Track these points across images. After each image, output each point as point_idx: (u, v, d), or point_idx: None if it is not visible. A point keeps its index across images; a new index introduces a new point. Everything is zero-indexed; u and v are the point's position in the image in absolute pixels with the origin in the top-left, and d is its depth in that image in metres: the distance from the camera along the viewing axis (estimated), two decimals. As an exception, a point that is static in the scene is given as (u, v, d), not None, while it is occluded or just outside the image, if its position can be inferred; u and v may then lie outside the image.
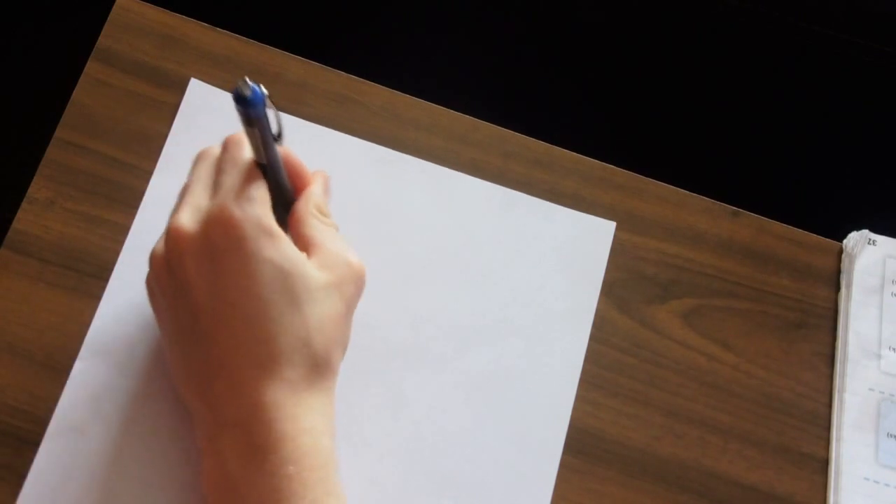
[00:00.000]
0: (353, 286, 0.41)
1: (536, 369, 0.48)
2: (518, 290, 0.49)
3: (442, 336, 0.48)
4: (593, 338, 0.49)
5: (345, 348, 0.41)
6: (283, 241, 0.39)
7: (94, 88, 0.51)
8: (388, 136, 0.51)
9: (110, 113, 0.50)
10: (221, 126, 0.51)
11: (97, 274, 0.48)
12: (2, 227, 0.48)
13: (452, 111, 0.52)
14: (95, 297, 0.47)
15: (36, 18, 1.15)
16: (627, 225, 0.51)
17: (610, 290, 0.49)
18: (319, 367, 0.39)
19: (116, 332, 0.47)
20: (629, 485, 0.46)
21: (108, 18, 0.52)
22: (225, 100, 0.51)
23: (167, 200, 0.49)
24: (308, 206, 0.42)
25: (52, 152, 0.50)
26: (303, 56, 0.53)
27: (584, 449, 0.47)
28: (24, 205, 0.49)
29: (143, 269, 0.48)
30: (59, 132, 0.50)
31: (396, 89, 0.52)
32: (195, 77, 0.51)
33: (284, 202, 0.42)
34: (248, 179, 0.39)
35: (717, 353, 0.49)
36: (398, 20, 1.17)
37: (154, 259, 0.41)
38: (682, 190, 0.52)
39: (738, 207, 0.52)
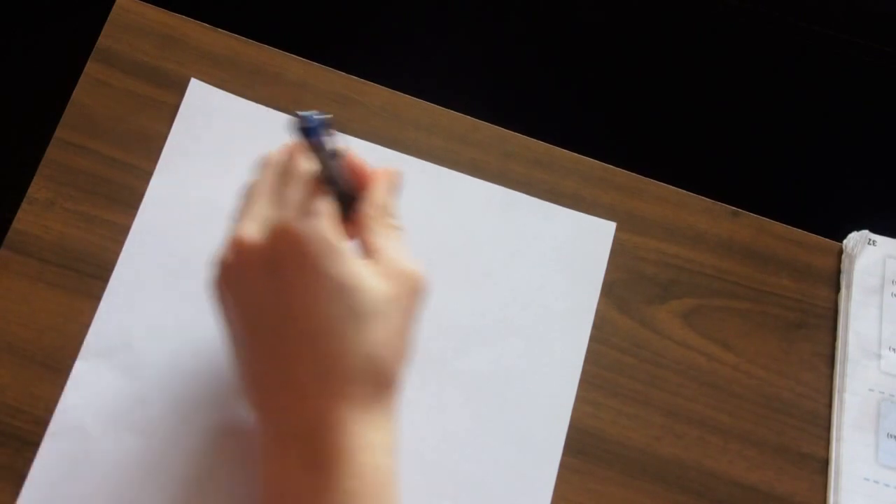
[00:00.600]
0: (414, 297, 0.40)
1: (536, 369, 0.48)
2: (518, 290, 0.49)
3: (442, 336, 0.48)
4: (593, 338, 0.49)
5: (408, 360, 0.41)
6: (346, 254, 0.38)
7: (94, 88, 0.51)
8: (387, 136, 0.51)
9: (110, 113, 0.50)
10: (221, 126, 0.51)
11: (97, 274, 0.48)
12: (2, 227, 0.48)
13: (452, 111, 0.52)
14: (95, 297, 0.47)
15: (36, 18, 1.15)
16: (627, 225, 0.51)
17: (610, 290, 0.49)
18: (382, 384, 0.39)
19: (116, 332, 0.47)
20: (629, 485, 0.46)
21: (108, 18, 0.52)
22: (225, 100, 0.51)
23: (167, 200, 0.49)
24: (370, 209, 0.41)
25: (52, 152, 0.50)
26: (303, 56, 0.53)
27: (584, 449, 0.47)
28: (24, 205, 0.49)
29: (144, 269, 0.48)
30: (59, 132, 0.50)
31: (396, 89, 0.52)
32: (195, 77, 0.51)
33: (350, 205, 0.42)
34: (311, 192, 0.39)
35: (717, 353, 0.49)
36: (398, 20, 1.17)
37: (222, 266, 0.40)
38: (682, 190, 0.52)
39: (738, 207, 0.52)
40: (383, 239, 0.40)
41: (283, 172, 0.41)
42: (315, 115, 0.37)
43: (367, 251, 0.40)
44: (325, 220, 0.38)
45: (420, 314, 0.41)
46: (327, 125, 0.38)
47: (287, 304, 0.38)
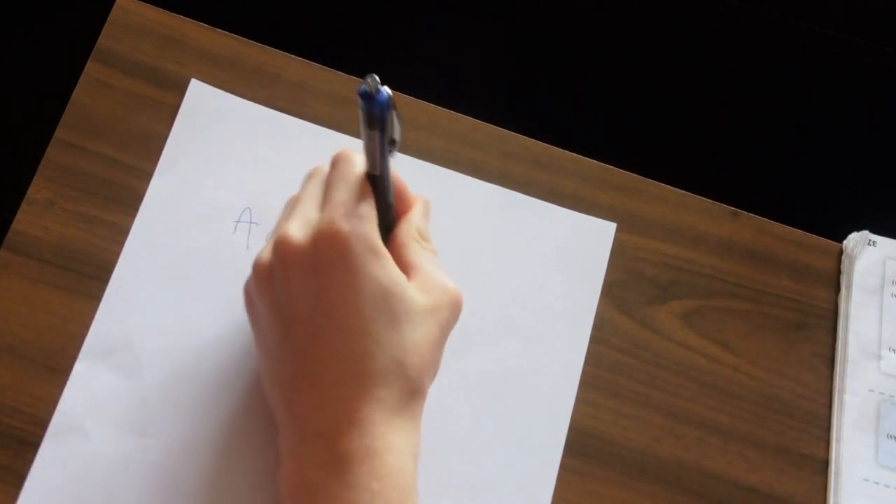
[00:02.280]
0: (449, 313, 0.41)
1: (536, 370, 0.48)
2: (518, 290, 0.49)
3: (442, 337, 0.48)
4: (593, 339, 0.49)
5: (435, 374, 0.41)
6: (388, 260, 0.39)
7: (94, 89, 0.51)
8: (387, 136, 0.51)
9: (110, 113, 0.50)
10: (222, 127, 0.51)
11: (97, 275, 0.48)
12: (1, 227, 0.48)
13: (452, 112, 0.52)
14: (95, 298, 0.47)
15: (36, 18, 1.15)
16: (627, 225, 0.51)
17: (610, 290, 0.49)
18: (411, 390, 0.39)
19: (116, 333, 0.47)
20: (629, 486, 0.46)
21: (108, 19, 0.52)
22: (226, 101, 0.51)
23: (167, 201, 0.49)
24: (410, 229, 0.42)
25: (52, 153, 0.50)
26: (303, 56, 0.53)
27: (584, 450, 0.47)
28: (23, 205, 0.49)
29: (144, 270, 0.48)
30: (59, 133, 0.50)
31: (396, 90, 0.52)
32: (195, 77, 0.51)
33: (387, 222, 0.42)
34: (358, 196, 0.39)
35: (717, 353, 0.49)
36: (398, 20, 1.17)
37: (258, 267, 0.41)
38: (682, 190, 0.52)
39: (738, 208, 0.52)
40: (421, 258, 0.41)
41: (327, 180, 0.41)
42: (379, 86, 0.35)
43: (405, 268, 0.41)
44: (370, 224, 0.39)
45: (450, 332, 0.41)
46: (393, 104, 0.36)
47: (325, 301, 0.38)
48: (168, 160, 0.50)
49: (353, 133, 0.51)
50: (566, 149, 0.52)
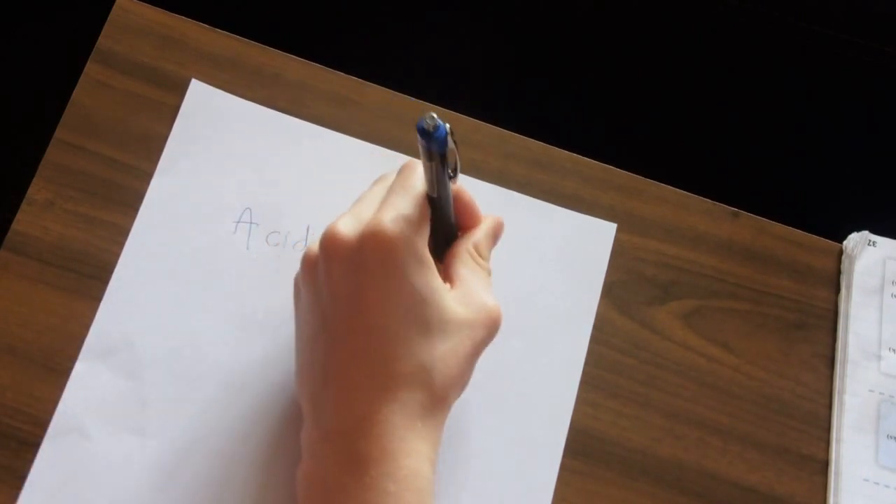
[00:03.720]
0: (485, 330, 0.41)
1: (537, 370, 0.48)
2: (518, 291, 0.49)
3: (442, 337, 0.48)
4: (593, 339, 0.49)
5: (463, 389, 0.41)
6: (430, 270, 0.39)
7: (93, 89, 0.51)
8: (387, 136, 0.51)
9: (110, 114, 0.50)
10: (222, 127, 0.51)
11: (97, 275, 0.48)
12: (1, 227, 0.48)
13: (452, 112, 0.52)
14: (95, 298, 0.47)
15: (36, 18, 1.15)
16: (627, 226, 0.51)
17: (610, 291, 0.49)
18: (435, 399, 0.39)
19: (116, 333, 0.47)
20: (629, 486, 0.46)
21: (108, 19, 0.52)
22: (226, 101, 0.51)
23: (168, 202, 0.49)
24: (468, 244, 0.42)
25: (52, 153, 0.50)
26: (303, 56, 0.53)
27: (584, 450, 0.47)
28: (23, 206, 0.49)
29: (144, 270, 0.48)
30: (59, 133, 0.50)
31: (396, 90, 0.52)
32: (195, 78, 0.51)
33: (448, 238, 0.42)
34: (414, 206, 0.39)
35: (717, 354, 0.49)
36: (398, 20, 1.17)
37: (306, 258, 0.41)
38: (682, 191, 0.52)
39: (738, 208, 0.52)
40: (469, 272, 0.41)
41: (391, 187, 0.41)
42: (437, 122, 0.35)
43: (450, 278, 0.41)
44: (418, 232, 0.39)
45: (484, 349, 0.41)
46: (449, 137, 0.36)
47: (362, 300, 0.38)
48: (168, 160, 0.50)
49: (353, 133, 0.51)
50: (566, 149, 0.52)
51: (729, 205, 0.52)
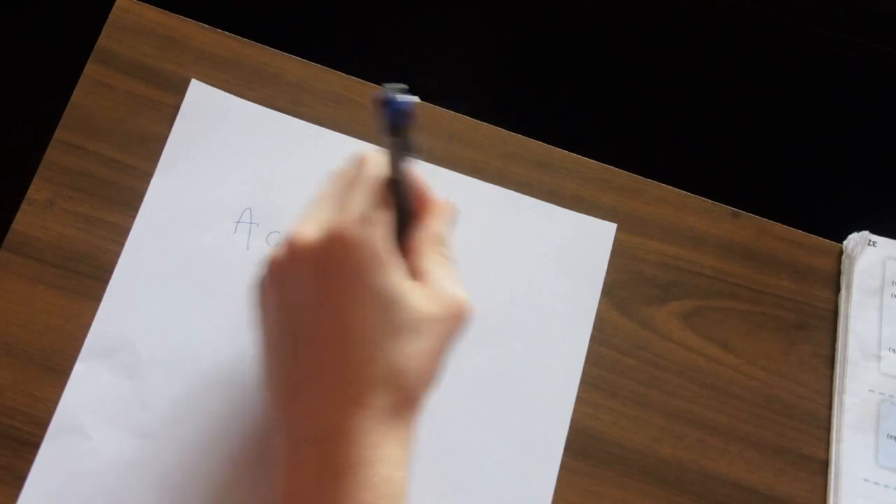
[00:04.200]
0: (455, 324, 0.40)
1: (537, 371, 0.48)
2: (518, 291, 0.49)
3: (442, 337, 0.48)
4: (593, 339, 0.49)
5: (434, 387, 0.41)
6: (397, 268, 0.38)
7: (93, 89, 0.51)
8: (388, 137, 0.51)
9: (110, 114, 0.50)
10: (222, 127, 0.51)
11: (97, 275, 0.48)
12: (1, 227, 0.48)
13: (453, 112, 0.52)
14: (95, 298, 0.47)
15: (36, 18, 1.15)
16: (627, 226, 0.51)
17: (610, 291, 0.49)
18: (407, 401, 0.39)
19: (116, 333, 0.47)
20: (629, 486, 0.46)
21: (108, 19, 0.52)
22: (226, 101, 0.51)
23: (167, 202, 0.49)
24: (427, 234, 0.41)
25: (52, 153, 0.50)
26: (303, 56, 0.53)
27: (584, 450, 0.47)
28: (23, 206, 0.49)
29: (144, 270, 0.48)
30: (59, 133, 0.50)
31: (396, 90, 0.52)
32: (195, 78, 0.51)
33: (405, 224, 0.41)
34: (375, 200, 0.39)
35: (717, 354, 0.49)
36: (398, 21, 1.17)
37: (270, 262, 0.41)
38: (682, 191, 0.52)
39: (739, 208, 0.52)
40: (435, 265, 0.41)
41: (350, 182, 0.41)
42: (403, 95, 0.34)
43: (417, 274, 0.40)
44: (381, 230, 0.38)
45: (455, 343, 0.41)
46: (413, 112, 0.35)
47: (326, 306, 0.38)
48: (168, 160, 0.50)
49: (353, 133, 0.51)
50: (567, 149, 0.52)
51: (729, 205, 0.52)
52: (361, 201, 0.39)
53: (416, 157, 0.39)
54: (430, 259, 0.41)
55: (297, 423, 0.38)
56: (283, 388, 0.39)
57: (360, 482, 0.36)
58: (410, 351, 0.38)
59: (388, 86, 0.35)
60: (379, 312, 0.38)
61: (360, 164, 0.41)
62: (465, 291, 0.41)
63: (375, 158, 0.41)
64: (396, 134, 0.36)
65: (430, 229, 0.42)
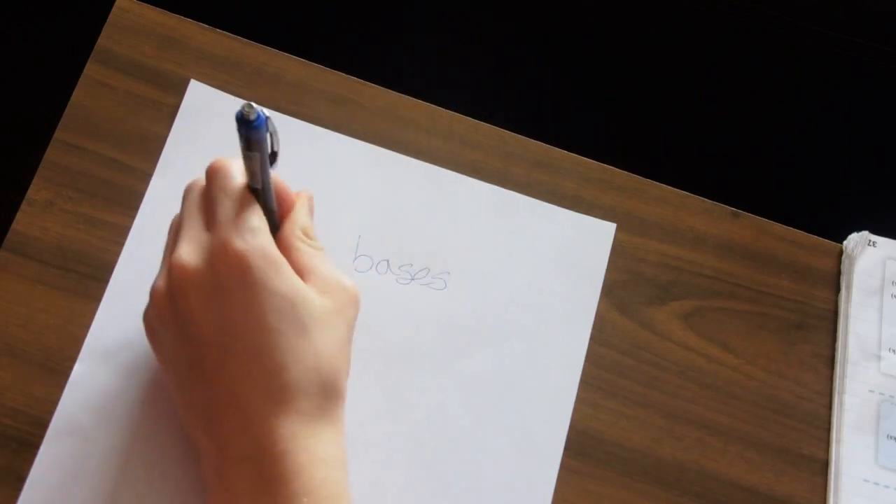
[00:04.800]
0: (352, 308, 0.41)
1: (537, 371, 0.48)
2: (518, 291, 0.49)
3: (442, 338, 0.48)
4: (593, 339, 0.49)
5: (348, 372, 0.41)
6: (287, 269, 0.39)
7: (93, 90, 0.51)
8: (387, 137, 0.51)
9: (110, 114, 0.50)
10: (222, 127, 0.51)
11: (96, 276, 0.48)
12: (1, 228, 0.48)
13: (452, 112, 0.52)
14: (95, 298, 0.47)
15: (36, 18, 1.15)
16: (627, 226, 0.51)
17: (610, 291, 0.49)
18: (329, 394, 0.39)
19: (116, 334, 0.47)
20: (629, 486, 0.46)
21: (108, 19, 0.52)
22: (225, 101, 0.51)
23: (167, 202, 0.49)
24: (295, 230, 0.41)
25: (52, 154, 0.50)
26: (303, 56, 0.53)
27: (583, 451, 0.47)
28: (23, 206, 0.49)
29: (143, 271, 0.48)
30: (59, 133, 0.50)
31: (396, 90, 0.52)
32: (195, 78, 0.51)
33: (273, 225, 0.41)
34: (243, 208, 0.39)
35: (717, 354, 0.49)
36: (398, 20, 1.17)
37: (155, 295, 0.40)
38: (682, 191, 0.52)
39: (739, 208, 0.52)
40: (311, 258, 0.41)
41: (207, 195, 0.40)
42: (255, 111, 0.36)
43: (299, 272, 0.40)
44: (263, 235, 0.38)
45: (354, 327, 0.41)
46: (268, 123, 0.37)
47: (231, 322, 0.37)
48: (167, 161, 0.50)
49: (353, 133, 0.51)
50: (566, 149, 0.52)
51: (729, 205, 0.52)
52: (230, 212, 0.39)
53: (275, 164, 0.39)
54: (305, 253, 0.41)
55: (226, 442, 0.38)
56: (202, 413, 0.39)
57: (299, 489, 0.36)
58: (321, 346, 0.38)
59: (244, 105, 0.36)
60: (284, 316, 0.37)
61: (212, 174, 0.40)
62: (347, 276, 0.41)
63: (228, 167, 0.40)
64: (254, 148, 0.37)
65: (295, 224, 0.42)
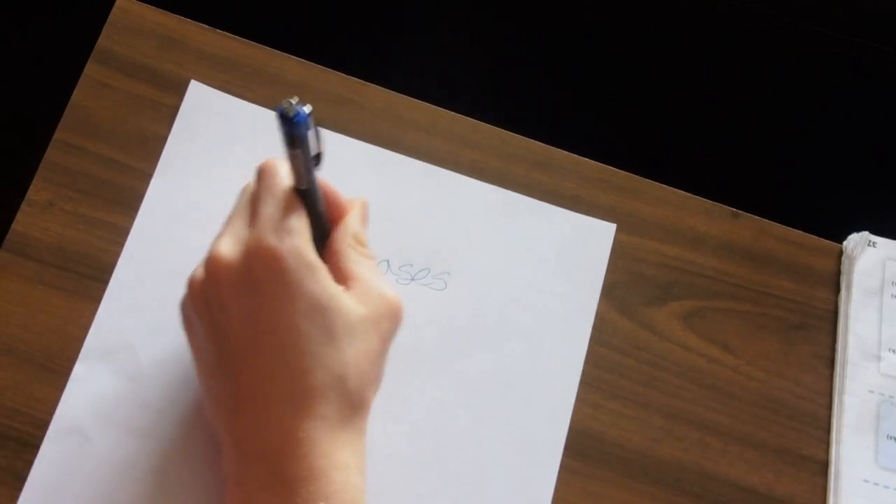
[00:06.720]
0: (389, 322, 0.40)
1: (537, 371, 0.48)
2: (518, 292, 0.49)
3: (442, 338, 0.48)
4: (593, 339, 0.49)
5: (379, 386, 0.41)
6: (323, 273, 0.38)
7: (93, 90, 0.51)
8: (387, 137, 0.51)
9: (110, 115, 0.50)
10: (221, 128, 0.51)
11: (96, 276, 0.48)
12: (1, 228, 0.48)
13: (452, 112, 0.52)
14: (95, 299, 0.47)
15: (36, 18, 1.15)
16: (627, 226, 0.51)
17: (610, 291, 0.49)
18: (353, 405, 0.39)
19: (116, 334, 0.47)
20: (629, 487, 0.46)
21: (108, 20, 0.52)
22: (225, 101, 0.51)
23: (167, 203, 0.49)
24: (346, 237, 0.41)
25: (52, 154, 0.50)
26: (303, 56, 0.53)
27: (583, 451, 0.47)
28: (23, 206, 0.49)
29: (143, 271, 0.48)
30: (59, 134, 0.50)
31: (396, 90, 0.52)
32: (195, 79, 0.51)
33: (322, 231, 0.41)
34: (286, 209, 0.39)
35: (717, 354, 0.49)
36: (398, 21, 1.17)
37: (192, 286, 0.40)
38: (682, 191, 0.52)
39: (739, 209, 0.52)
40: (358, 265, 0.41)
41: (256, 195, 0.41)
42: (300, 106, 0.36)
43: (342, 277, 0.40)
44: (301, 237, 0.38)
45: (392, 340, 0.41)
46: (310, 120, 0.37)
47: (261, 321, 0.37)
48: (168, 161, 0.50)
49: (353, 133, 0.51)
50: (566, 149, 0.52)
51: (729, 205, 0.52)
52: (272, 211, 0.39)
53: (320, 165, 0.39)
54: (352, 259, 0.41)
55: (245, 439, 0.38)
56: (229, 406, 0.39)
57: (316, 492, 0.36)
58: (350, 356, 0.38)
59: (284, 101, 0.36)
60: (314, 320, 0.37)
61: (261, 175, 0.41)
62: (392, 288, 0.41)
63: (276, 168, 0.40)
64: (296, 145, 0.37)
65: (346, 230, 0.42)
